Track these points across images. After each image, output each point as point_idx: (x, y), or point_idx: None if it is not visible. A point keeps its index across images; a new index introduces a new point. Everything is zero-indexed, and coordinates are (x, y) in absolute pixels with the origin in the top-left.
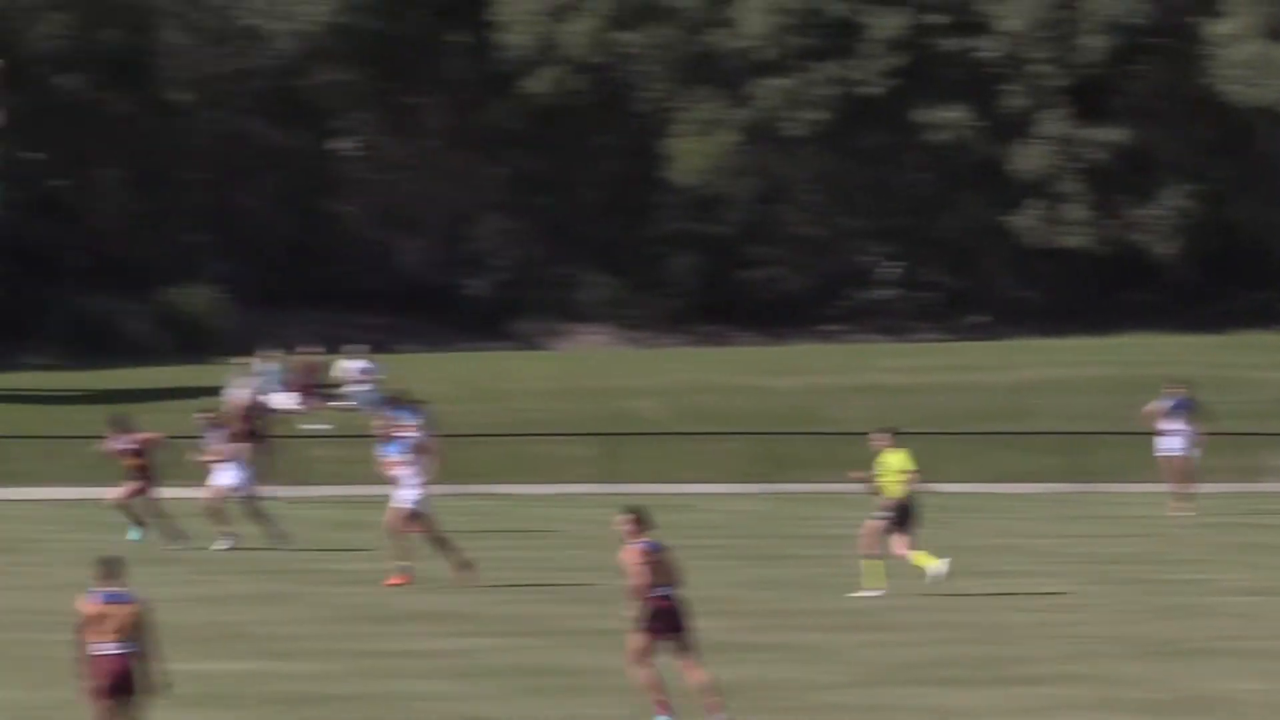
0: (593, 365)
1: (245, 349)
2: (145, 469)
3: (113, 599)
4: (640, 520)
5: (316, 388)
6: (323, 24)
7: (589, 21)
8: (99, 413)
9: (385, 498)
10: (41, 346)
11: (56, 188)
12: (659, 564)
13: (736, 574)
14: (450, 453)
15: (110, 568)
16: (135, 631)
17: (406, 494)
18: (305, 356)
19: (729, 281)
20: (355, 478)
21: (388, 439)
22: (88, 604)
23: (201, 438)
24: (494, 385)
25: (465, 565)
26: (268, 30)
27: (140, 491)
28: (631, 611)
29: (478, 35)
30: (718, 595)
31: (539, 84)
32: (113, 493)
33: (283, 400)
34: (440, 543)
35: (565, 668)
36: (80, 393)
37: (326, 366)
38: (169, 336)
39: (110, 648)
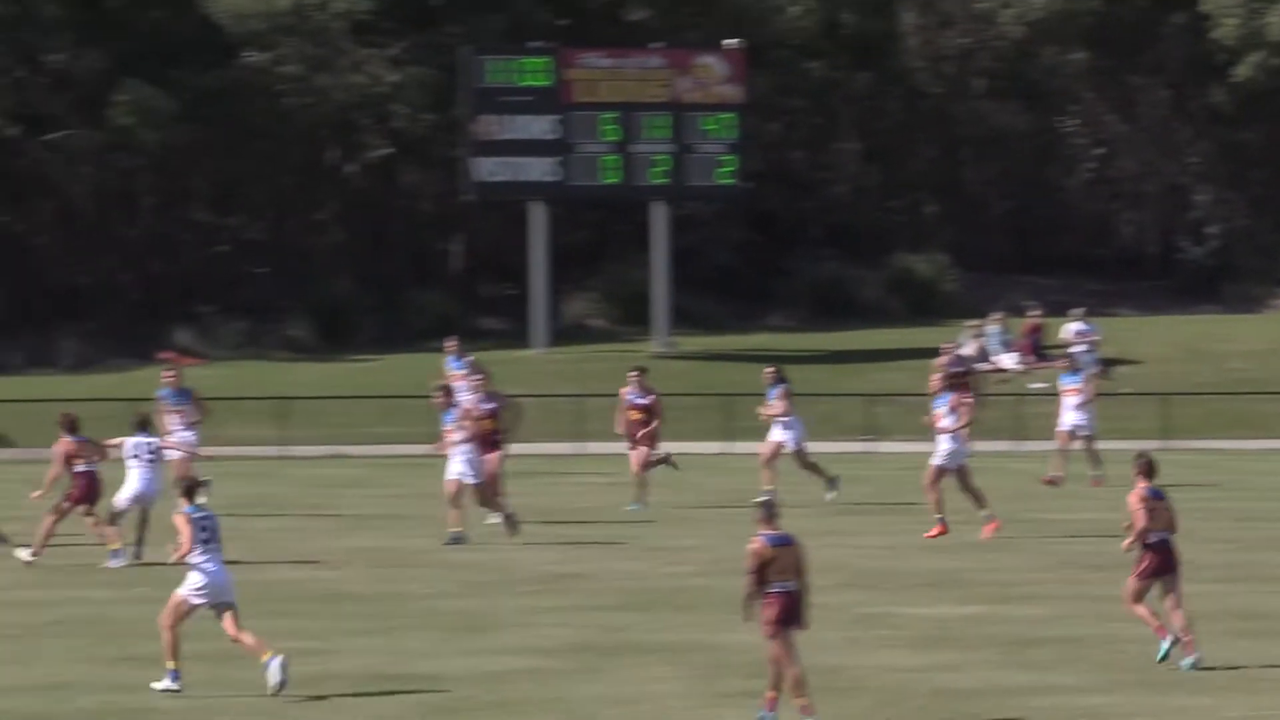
0: None
1: (971, 312)
2: (648, 424)
3: (778, 541)
4: (1148, 466)
5: (1038, 349)
6: (1048, 9)
7: None
8: (831, 372)
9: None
10: (782, 309)
11: (795, 160)
12: (1157, 510)
13: None
14: (1163, 409)
15: (769, 511)
16: (797, 571)
17: (943, 448)
18: (1029, 319)
19: None
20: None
21: (936, 393)
22: (758, 546)
23: (765, 395)
24: (1206, 346)
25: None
26: (997, 15)
27: (647, 444)
28: (1132, 552)
29: (1192, 20)
30: None
31: (1245, 69)
32: (635, 453)
33: (1006, 360)
34: (974, 495)
35: (1273, 612)
36: (815, 353)
37: (1050, 329)
38: (899, 301)
39: (779, 586)
